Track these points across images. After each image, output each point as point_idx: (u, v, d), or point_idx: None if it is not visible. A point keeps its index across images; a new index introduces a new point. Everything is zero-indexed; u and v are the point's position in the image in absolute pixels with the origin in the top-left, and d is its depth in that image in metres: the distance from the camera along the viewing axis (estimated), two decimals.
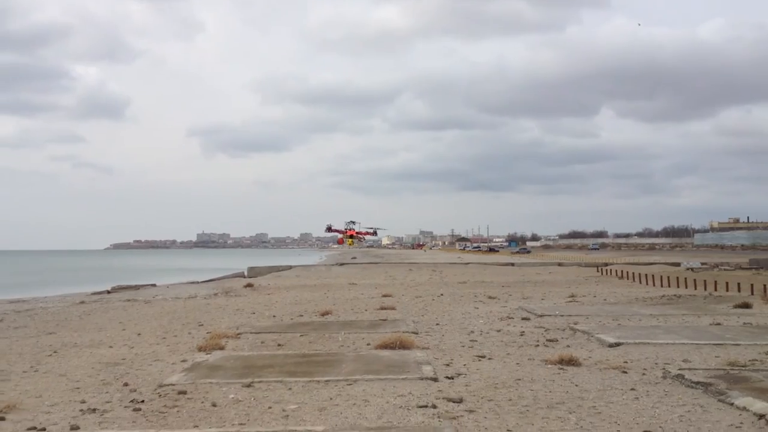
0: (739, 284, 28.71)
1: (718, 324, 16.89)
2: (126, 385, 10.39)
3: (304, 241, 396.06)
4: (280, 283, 40.02)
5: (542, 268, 56.72)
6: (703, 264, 53.47)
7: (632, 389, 9.58)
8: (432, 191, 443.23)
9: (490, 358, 12.35)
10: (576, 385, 9.89)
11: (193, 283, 46.58)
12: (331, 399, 9.12)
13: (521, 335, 15.49)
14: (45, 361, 12.80)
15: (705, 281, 30.60)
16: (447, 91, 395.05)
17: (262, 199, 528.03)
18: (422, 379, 10.29)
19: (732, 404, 8.47)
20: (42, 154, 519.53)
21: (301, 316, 20.71)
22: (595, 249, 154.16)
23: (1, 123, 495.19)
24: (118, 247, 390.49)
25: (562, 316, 19.31)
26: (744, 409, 8.22)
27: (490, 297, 27.02)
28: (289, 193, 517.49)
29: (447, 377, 10.49)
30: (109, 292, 38.51)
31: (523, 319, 18.84)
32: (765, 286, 24.84)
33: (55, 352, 14.04)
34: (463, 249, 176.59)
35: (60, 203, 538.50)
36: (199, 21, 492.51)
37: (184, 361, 12.48)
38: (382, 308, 22.22)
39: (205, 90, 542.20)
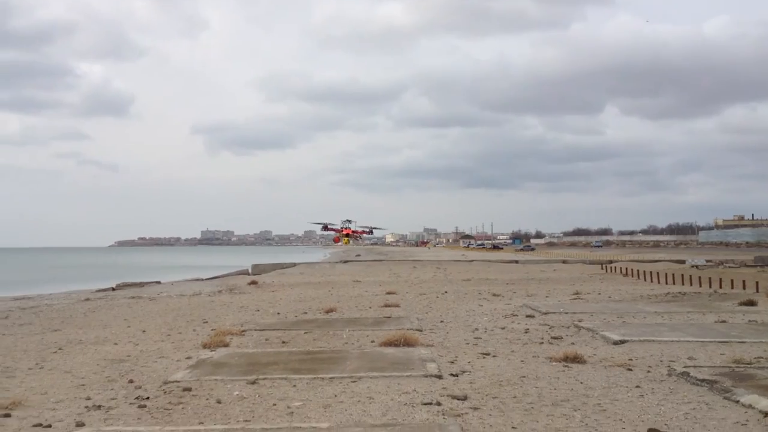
0: (744, 282, 28.62)
1: (724, 321, 16.84)
2: (131, 381, 10.41)
3: (308, 238, 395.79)
4: (284, 281, 40.05)
5: (546, 266, 56.63)
6: (708, 261, 53.31)
7: (637, 387, 9.56)
8: (436, 189, 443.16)
9: (494, 356, 12.34)
10: (581, 383, 9.88)
11: (197, 280, 46.62)
12: (335, 396, 9.13)
13: (526, 333, 15.47)
14: (50, 358, 12.84)
15: (710, 279, 30.52)
16: (451, 88, 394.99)
17: (267, 196, 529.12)
18: (427, 376, 10.29)
19: (737, 402, 8.45)
20: (46, 152, 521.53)
21: (306, 313, 20.72)
22: (598, 246, 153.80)
23: (6, 120, 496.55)
24: (122, 244, 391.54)
25: (566, 313, 19.29)
26: (749, 406, 8.20)
27: (494, 294, 27.00)
28: (293, 190, 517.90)
29: (451, 374, 10.48)
30: (113, 289, 38.59)
31: (527, 316, 18.82)
32: None
33: (60, 349, 14.08)
34: (467, 246, 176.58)
35: (64, 200, 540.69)
36: (204, 18, 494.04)
37: (188, 358, 12.51)
38: (387, 305, 22.22)
39: (209, 87, 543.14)
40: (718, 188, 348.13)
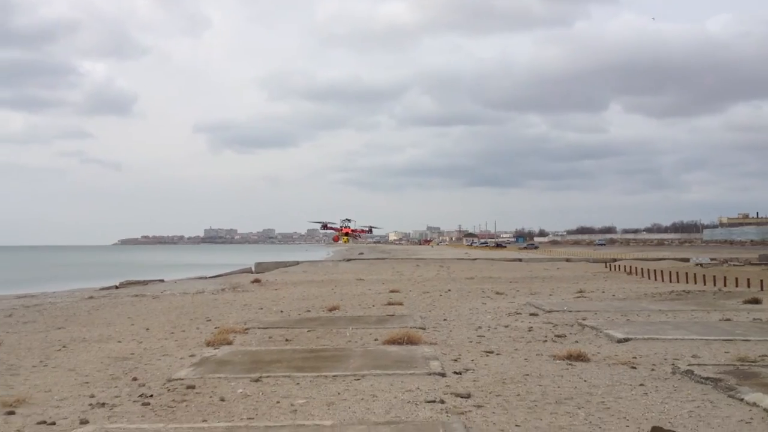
0: (748, 280, 28.55)
1: (728, 320, 16.80)
2: (135, 379, 10.43)
3: (312, 236, 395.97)
4: (287, 279, 40.07)
5: (550, 264, 56.57)
6: (712, 260, 53.16)
7: (641, 385, 9.54)
8: (439, 187, 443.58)
9: (498, 354, 12.32)
10: (584, 381, 9.86)
11: (200, 278, 46.66)
12: (339, 394, 9.13)
13: (529, 331, 15.45)
14: (54, 356, 12.86)
15: (714, 277, 30.42)
16: (454, 86, 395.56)
17: (269, 195, 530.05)
18: (430, 374, 10.28)
19: (742, 400, 8.43)
20: (49, 150, 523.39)
21: (309, 311, 20.73)
22: (602, 245, 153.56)
23: (9, 119, 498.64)
24: (125, 242, 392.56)
25: (570, 311, 19.25)
26: (754, 404, 8.17)
27: (497, 293, 26.97)
28: (295, 189, 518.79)
29: (455, 372, 10.48)
30: (117, 287, 38.64)
31: (531, 314, 18.80)
32: None
33: (64, 346, 14.10)
34: (471, 245, 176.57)
35: (67, 199, 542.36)
36: (206, 17, 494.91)
37: (192, 355, 12.52)
38: (390, 304, 22.22)
39: (211, 86, 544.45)
40: (723, 186, 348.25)
